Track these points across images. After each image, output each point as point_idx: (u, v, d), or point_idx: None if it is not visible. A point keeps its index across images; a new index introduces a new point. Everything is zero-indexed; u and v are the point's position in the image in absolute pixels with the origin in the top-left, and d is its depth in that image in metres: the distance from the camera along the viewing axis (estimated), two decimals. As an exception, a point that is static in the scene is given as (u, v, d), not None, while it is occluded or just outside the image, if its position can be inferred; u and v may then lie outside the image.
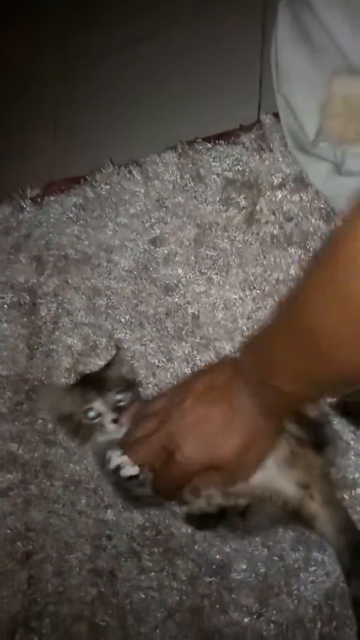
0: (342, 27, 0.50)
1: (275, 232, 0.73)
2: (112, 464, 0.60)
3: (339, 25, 0.50)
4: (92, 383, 0.68)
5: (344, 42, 0.50)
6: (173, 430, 0.57)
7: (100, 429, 0.65)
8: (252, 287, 0.75)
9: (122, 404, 0.65)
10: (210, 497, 0.59)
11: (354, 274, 0.36)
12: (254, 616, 0.67)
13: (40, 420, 0.87)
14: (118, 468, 0.60)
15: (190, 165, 0.80)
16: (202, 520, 0.62)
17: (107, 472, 0.63)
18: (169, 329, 0.79)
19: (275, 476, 0.59)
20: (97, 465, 0.69)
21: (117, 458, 0.60)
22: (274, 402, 0.52)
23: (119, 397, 0.65)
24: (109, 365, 0.72)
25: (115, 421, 0.64)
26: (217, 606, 0.69)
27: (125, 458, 0.60)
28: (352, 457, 0.65)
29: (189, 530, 0.72)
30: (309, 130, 0.57)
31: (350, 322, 0.38)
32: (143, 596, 0.75)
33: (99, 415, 0.65)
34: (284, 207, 0.73)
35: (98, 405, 0.65)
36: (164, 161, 0.82)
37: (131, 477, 0.60)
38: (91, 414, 0.65)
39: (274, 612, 0.65)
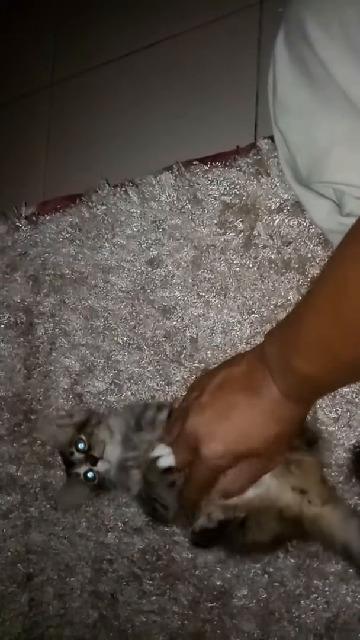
0: (343, 64, 0.49)
1: (273, 257, 0.73)
2: (155, 453, 0.60)
3: (339, 62, 0.49)
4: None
5: (344, 79, 0.49)
6: (194, 426, 0.57)
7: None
8: (250, 312, 0.74)
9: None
10: (211, 512, 0.59)
11: None
12: (256, 642, 0.67)
13: (39, 442, 0.87)
14: (157, 458, 0.60)
15: (187, 188, 0.79)
16: (204, 537, 0.62)
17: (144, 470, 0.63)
18: (167, 352, 0.79)
19: (271, 486, 0.59)
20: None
21: (161, 448, 0.60)
22: (299, 387, 0.52)
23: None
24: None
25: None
26: (218, 631, 0.70)
27: (168, 448, 0.60)
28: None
29: (190, 556, 0.73)
30: (302, 169, 0.56)
31: None
32: (144, 620, 0.75)
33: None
34: (282, 232, 0.73)
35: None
36: (160, 183, 0.81)
37: (166, 470, 0.60)
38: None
39: (276, 639, 0.66)
